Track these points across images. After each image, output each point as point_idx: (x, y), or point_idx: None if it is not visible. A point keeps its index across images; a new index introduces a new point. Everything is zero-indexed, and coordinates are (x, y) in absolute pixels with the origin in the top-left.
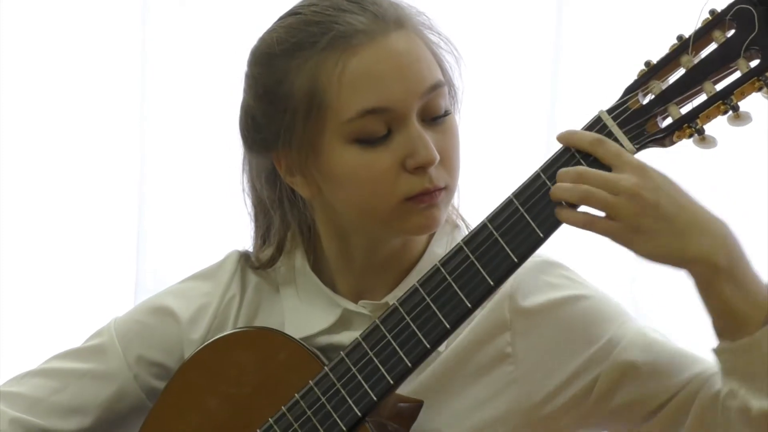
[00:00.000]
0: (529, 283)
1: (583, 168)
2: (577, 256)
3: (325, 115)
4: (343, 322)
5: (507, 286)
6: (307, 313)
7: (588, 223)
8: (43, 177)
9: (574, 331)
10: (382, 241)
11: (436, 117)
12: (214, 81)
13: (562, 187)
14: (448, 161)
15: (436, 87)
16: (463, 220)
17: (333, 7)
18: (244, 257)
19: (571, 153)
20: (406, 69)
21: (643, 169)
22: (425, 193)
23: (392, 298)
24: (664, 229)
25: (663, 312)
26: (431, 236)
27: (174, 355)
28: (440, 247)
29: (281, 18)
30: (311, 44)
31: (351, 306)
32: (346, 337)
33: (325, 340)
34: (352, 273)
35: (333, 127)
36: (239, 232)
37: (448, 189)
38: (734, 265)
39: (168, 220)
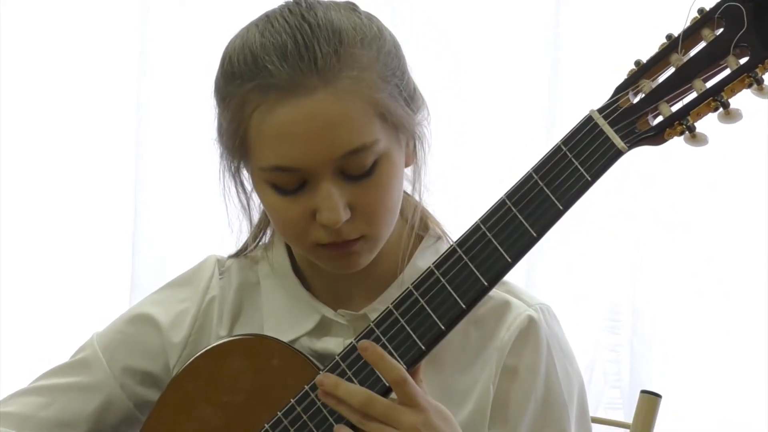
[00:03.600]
0: (513, 342)
1: (369, 396)
2: (577, 257)
3: (247, 152)
4: (321, 328)
5: (498, 337)
6: (286, 316)
7: None
8: (39, 176)
9: (512, 405)
10: None
11: (357, 176)
12: (210, 78)
13: (342, 409)
14: (369, 214)
15: (356, 151)
16: (445, 233)
17: (270, 47)
18: (222, 261)
19: (563, 152)
20: (322, 134)
21: (424, 408)
22: (334, 244)
23: (370, 310)
24: None
25: (662, 314)
26: (414, 246)
27: (158, 362)
28: (423, 261)
29: (249, 24)
30: (241, 82)
31: (329, 314)
32: (329, 344)
33: (306, 344)
34: (323, 275)
35: (252, 167)
36: (236, 231)
37: (366, 238)
38: None
39: (164, 219)
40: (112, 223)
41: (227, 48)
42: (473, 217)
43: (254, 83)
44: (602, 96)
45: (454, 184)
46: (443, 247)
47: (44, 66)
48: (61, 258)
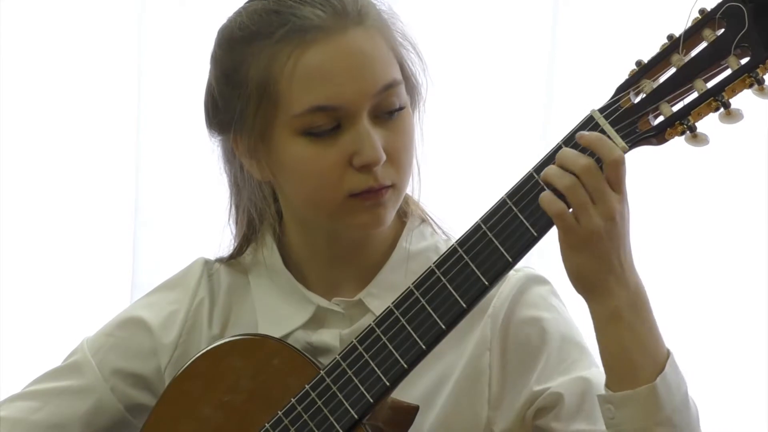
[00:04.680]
0: (508, 303)
1: (592, 163)
2: None
3: (275, 106)
4: (317, 320)
5: (489, 305)
6: (279, 310)
7: (560, 215)
8: (39, 176)
9: (531, 354)
10: (340, 232)
11: (388, 112)
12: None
13: (555, 171)
14: (397, 159)
15: (389, 86)
16: (428, 215)
17: (291, 1)
18: (210, 263)
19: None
20: (360, 68)
21: (626, 203)
22: (370, 191)
23: (365, 294)
24: (605, 258)
25: (661, 314)
26: (399, 230)
27: (149, 364)
28: (409, 243)
29: (244, 5)
30: (268, 34)
31: (324, 303)
32: (324, 336)
33: (302, 337)
34: (319, 264)
35: (282, 119)
36: (237, 230)
37: (395, 187)
38: (638, 315)
39: (165, 219)
40: (112, 224)
41: (226, 26)
42: (469, 216)
43: (283, 31)
44: (600, 95)
45: (451, 183)
46: (427, 231)
47: (43, 66)
48: (62, 259)
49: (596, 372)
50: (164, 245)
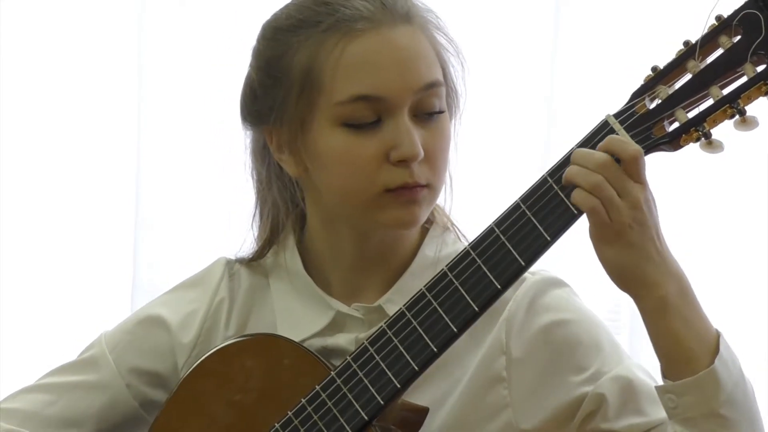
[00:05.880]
0: (525, 306)
1: (608, 158)
2: (577, 257)
3: (317, 94)
4: (335, 325)
5: (505, 308)
6: (299, 315)
7: (594, 210)
8: (39, 176)
9: (563, 356)
10: (368, 233)
11: (427, 113)
12: (210, 79)
13: (577, 171)
14: (434, 160)
15: (432, 85)
16: (453, 224)
17: None
18: (231, 263)
19: None
20: (406, 62)
21: (649, 191)
22: (405, 187)
23: (385, 300)
24: (640, 246)
25: None
26: (422, 238)
27: (166, 362)
28: (431, 250)
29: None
30: (315, 23)
31: (343, 308)
32: (340, 340)
33: (318, 342)
34: (342, 268)
35: (324, 108)
36: (236, 231)
37: (430, 187)
38: (685, 302)
39: (165, 219)
40: (113, 225)
41: (272, 19)
42: (472, 217)
43: (332, 20)
44: (601, 99)
45: (454, 184)
46: (450, 238)
47: (44, 66)
48: (62, 259)
49: (630, 364)
50: (164, 246)
